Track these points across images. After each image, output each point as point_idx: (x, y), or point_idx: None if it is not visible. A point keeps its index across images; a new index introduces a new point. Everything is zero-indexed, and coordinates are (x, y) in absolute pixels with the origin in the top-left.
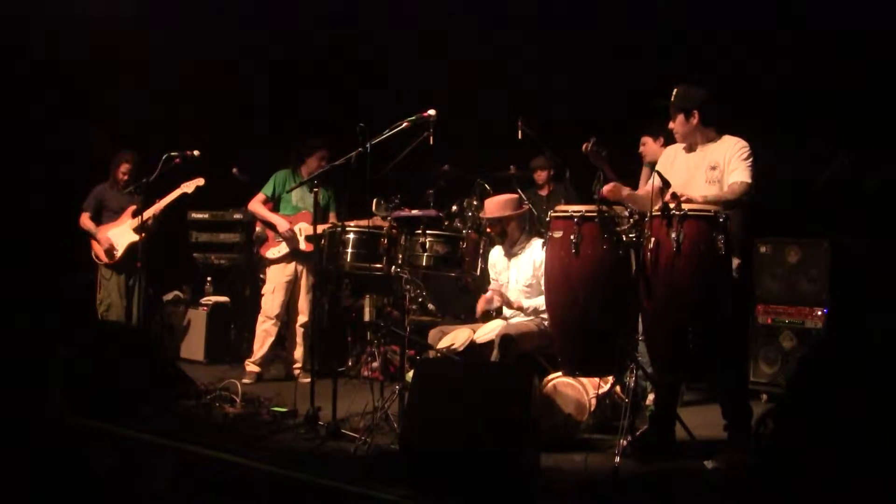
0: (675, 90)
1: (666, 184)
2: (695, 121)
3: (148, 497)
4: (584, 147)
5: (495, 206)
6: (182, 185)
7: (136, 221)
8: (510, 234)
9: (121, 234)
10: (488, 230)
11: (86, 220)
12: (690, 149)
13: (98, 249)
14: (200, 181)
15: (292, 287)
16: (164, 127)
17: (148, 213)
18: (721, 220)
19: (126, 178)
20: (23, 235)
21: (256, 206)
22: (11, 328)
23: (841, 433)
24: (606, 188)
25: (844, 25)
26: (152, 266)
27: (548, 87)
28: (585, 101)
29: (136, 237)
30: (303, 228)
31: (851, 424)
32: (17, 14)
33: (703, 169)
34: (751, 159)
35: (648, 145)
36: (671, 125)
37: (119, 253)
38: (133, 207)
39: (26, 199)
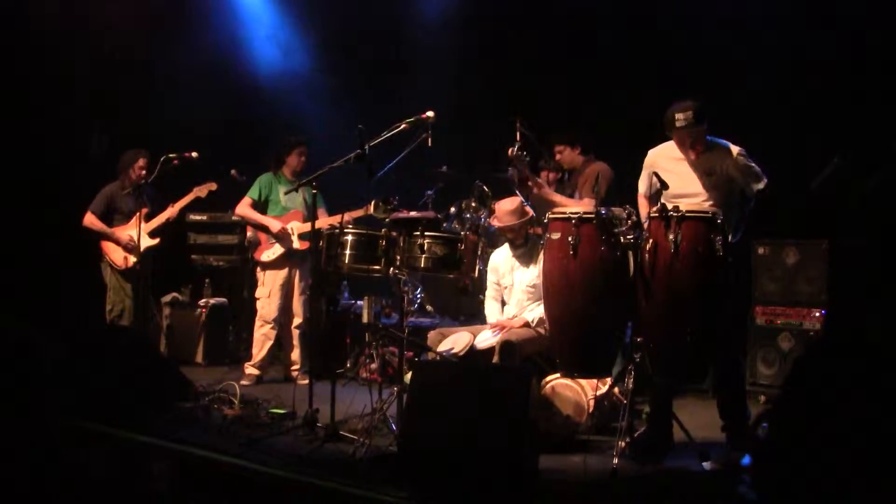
0: (689, 116)
1: (664, 185)
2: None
3: (147, 499)
4: (509, 151)
5: (508, 214)
6: (195, 189)
7: (151, 225)
8: (520, 239)
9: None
10: (511, 237)
11: (94, 221)
12: (683, 153)
13: (112, 251)
14: (213, 186)
15: (286, 290)
16: (163, 129)
17: (163, 217)
18: (718, 221)
19: (144, 172)
20: (23, 236)
21: (245, 209)
22: (11, 328)
23: (838, 434)
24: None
25: (843, 25)
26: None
27: (547, 88)
28: (585, 101)
29: (152, 242)
30: (295, 227)
31: (847, 425)
32: (18, 14)
33: (699, 175)
34: (752, 160)
35: (566, 153)
36: (684, 147)
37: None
38: (144, 210)
39: (26, 199)
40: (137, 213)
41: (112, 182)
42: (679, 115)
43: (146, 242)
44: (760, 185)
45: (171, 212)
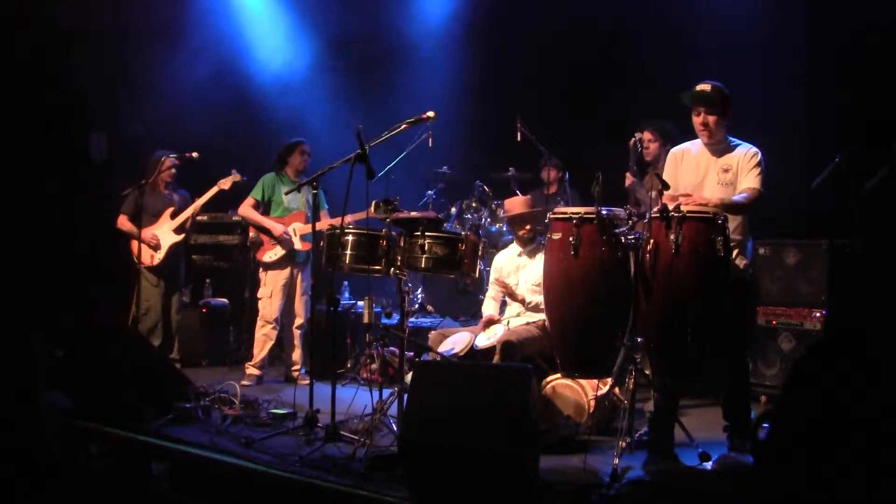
0: (710, 87)
1: (665, 185)
2: (726, 122)
3: (147, 499)
4: (636, 138)
5: (518, 204)
6: (219, 182)
7: (177, 221)
8: (530, 233)
9: (162, 236)
10: (521, 233)
11: (125, 222)
12: (702, 150)
13: (138, 250)
14: (237, 177)
15: (288, 290)
16: (164, 129)
17: (187, 213)
18: (720, 221)
19: (173, 171)
20: (23, 237)
21: (247, 210)
22: (10, 328)
23: (838, 434)
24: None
25: (844, 24)
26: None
27: (547, 88)
28: (585, 101)
29: (176, 238)
30: (297, 228)
31: (847, 425)
32: (18, 14)
33: (716, 171)
34: (762, 167)
35: (654, 147)
36: (700, 119)
37: (163, 253)
38: (171, 209)
39: (28, 202)
40: (163, 213)
41: (139, 184)
42: (699, 85)
43: (171, 239)
44: (752, 186)
45: (195, 207)
